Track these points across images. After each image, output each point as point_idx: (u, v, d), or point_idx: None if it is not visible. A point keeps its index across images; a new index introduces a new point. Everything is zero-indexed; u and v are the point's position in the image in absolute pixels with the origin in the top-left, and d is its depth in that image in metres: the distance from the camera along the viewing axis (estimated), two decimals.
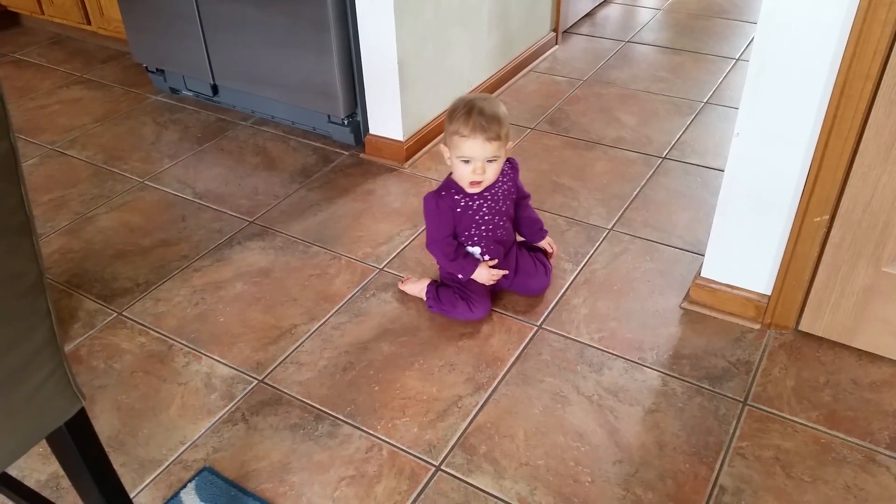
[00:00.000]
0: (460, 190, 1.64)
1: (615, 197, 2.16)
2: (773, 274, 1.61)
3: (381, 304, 1.80)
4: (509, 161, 1.71)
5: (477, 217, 1.67)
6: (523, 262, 1.77)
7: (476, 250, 1.73)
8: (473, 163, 1.56)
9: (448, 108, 1.60)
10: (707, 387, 1.54)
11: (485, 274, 1.71)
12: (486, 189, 1.64)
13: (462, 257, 1.69)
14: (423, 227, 2.04)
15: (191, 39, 2.54)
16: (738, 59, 2.99)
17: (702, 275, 1.73)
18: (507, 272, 1.75)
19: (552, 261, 1.85)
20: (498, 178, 1.64)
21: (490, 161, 1.57)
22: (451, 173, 1.67)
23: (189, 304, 1.82)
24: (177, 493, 1.36)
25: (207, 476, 1.39)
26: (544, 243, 1.83)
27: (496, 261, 1.73)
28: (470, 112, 1.53)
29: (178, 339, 1.72)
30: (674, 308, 1.75)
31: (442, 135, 1.66)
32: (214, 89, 2.70)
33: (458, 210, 1.65)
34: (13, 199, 0.74)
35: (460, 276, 1.71)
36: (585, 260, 1.91)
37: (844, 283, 1.53)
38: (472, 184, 1.60)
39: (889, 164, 1.36)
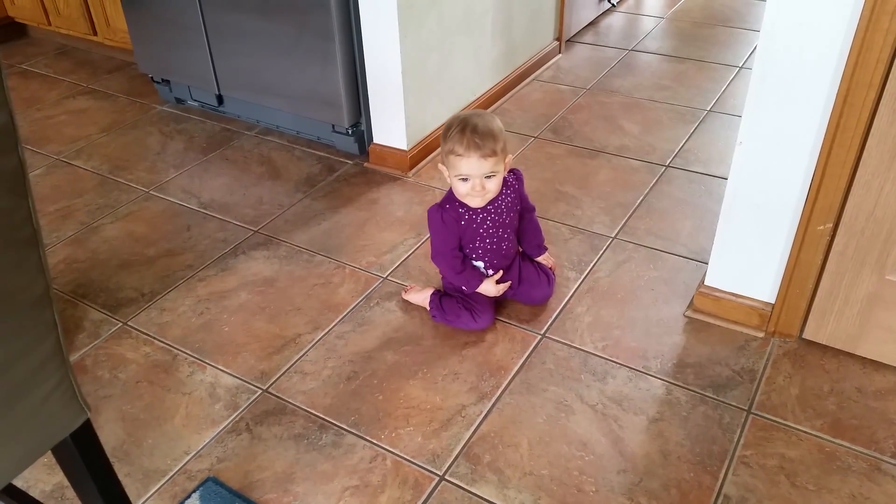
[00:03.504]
0: (464, 203, 1.64)
1: (618, 205, 2.16)
2: (777, 282, 1.61)
3: (385, 313, 1.80)
4: (514, 172, 1.71)
5: (481, 230, 1.66)
6: (526, 272, 1.77)
7: (480, 265, 1.73)
8: (472, 180, 1.56)
9: (444, 126, 1.60)
10: (711, 395, 1.54)
11: (492, 289, 1.71)
12: (490, 202, 1.64)
13: (468, 270, 1.70)
14: (427, 236, 2.04)
15: (196, 50, 2.55)
16: (741, 68, 2.99)
17: (705, 283, 1.73)
18: (510, 282, 1.75)
19: (554, 270, 1.85)
20: (501, 190, 1.64)
21: (488, 177, 1.57)
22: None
23: (193, 313, 1.82)
24: None
25: (211, 486, 1.39)
26: (542, 259, 1.82)
27: (500, 273, 1.73)
28: (464, 130, 1.52)
29: (183, 349, 1.72)
30: (678, 316, 1.75)
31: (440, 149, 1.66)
32: (219, 99, 2.71)
33: (463, 223, 1.65)
34: (21, 213, 0.75)
35: (465, 288, 1.71)
36: (589, 268, 1.91)
37: (848, 291, 1.53)
38: (475, 197, 1.60)
39: (892, 172, 1.36)
